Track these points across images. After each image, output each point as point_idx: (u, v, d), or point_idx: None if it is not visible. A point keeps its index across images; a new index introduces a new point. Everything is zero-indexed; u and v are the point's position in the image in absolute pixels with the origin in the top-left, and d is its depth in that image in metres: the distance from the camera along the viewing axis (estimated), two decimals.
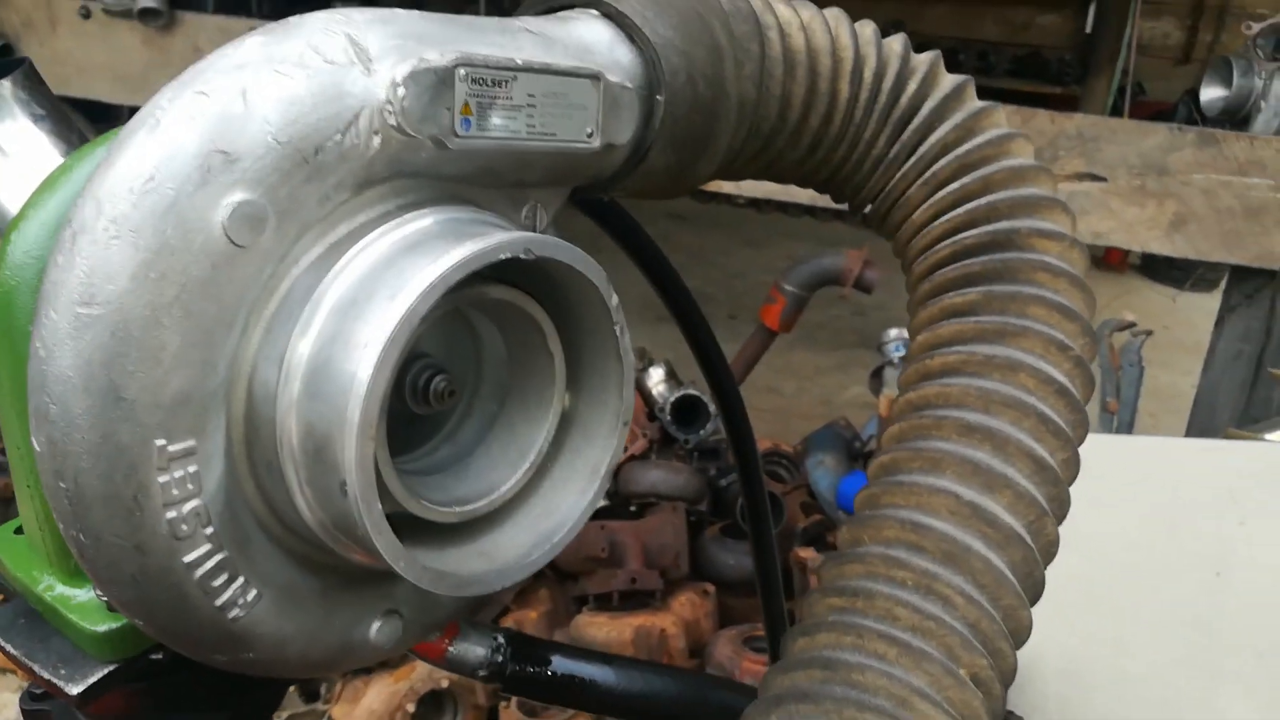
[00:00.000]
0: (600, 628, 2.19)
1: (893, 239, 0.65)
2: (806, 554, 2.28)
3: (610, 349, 0.48)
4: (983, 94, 0.66)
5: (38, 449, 0.38)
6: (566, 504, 0.49)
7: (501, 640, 0.60)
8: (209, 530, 0.40)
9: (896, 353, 2.44)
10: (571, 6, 0.53)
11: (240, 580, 0.42)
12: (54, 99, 0.69)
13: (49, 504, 0.39)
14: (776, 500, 2.36)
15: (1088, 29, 6.66)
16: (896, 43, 0.64)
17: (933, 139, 0.62)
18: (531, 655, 0.60)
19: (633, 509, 2.35)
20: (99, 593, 0.54)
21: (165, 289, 0.37)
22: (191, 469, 0.39)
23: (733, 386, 0.85)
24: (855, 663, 0.44)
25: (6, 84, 0.66)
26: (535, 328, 0.47)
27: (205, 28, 3.24)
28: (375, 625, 0.48)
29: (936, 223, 0.62)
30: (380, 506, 0.39)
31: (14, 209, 0.65)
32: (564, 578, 2.30)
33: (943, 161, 0.62)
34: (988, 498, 0.51)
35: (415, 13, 0.44)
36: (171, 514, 0.39)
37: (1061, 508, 0.54)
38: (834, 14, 0.62)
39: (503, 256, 0.41)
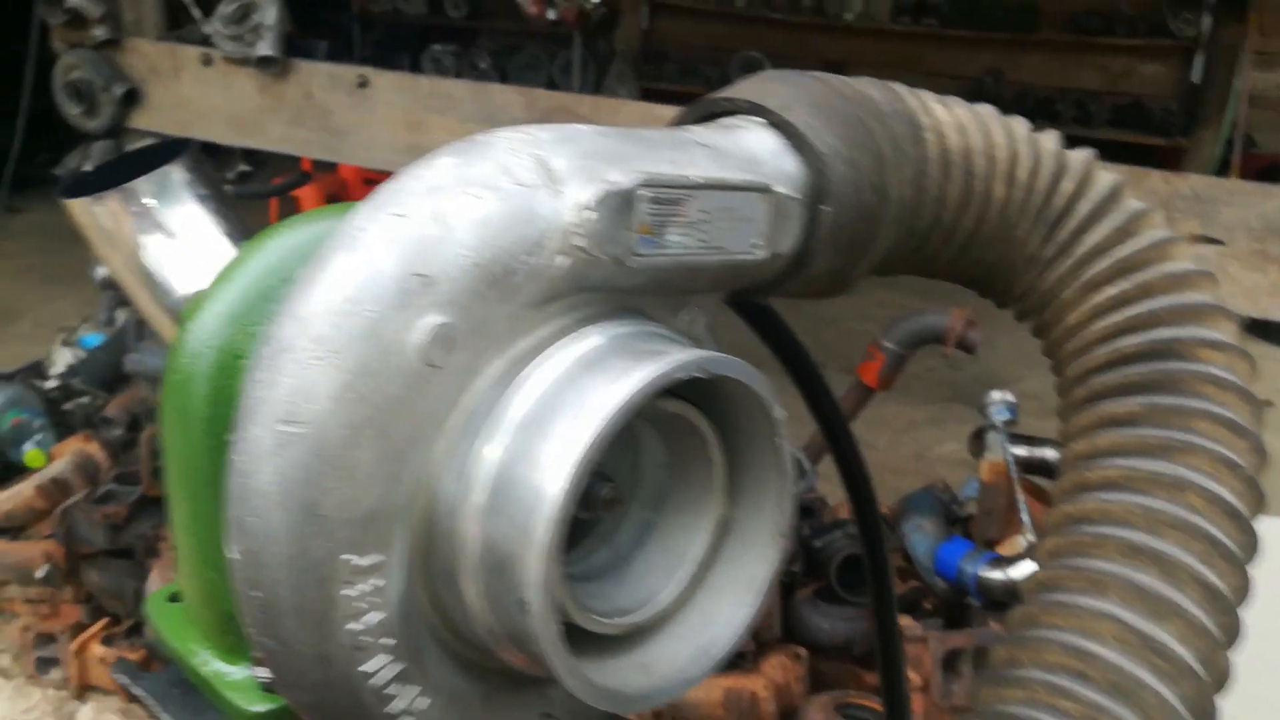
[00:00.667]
0: (691, 688, 2.16)
1: (1044, 339, 0.64)
2: (903, 620, 2.22)
3: (771, 461, 0.48)
4: (1081, 144, 0.65)
5: (235, 557, 0.39)
6: (724, 615, 0.48)
7: None
8: (387, 642, 0.41)
9: (999, 416, 2.38)
10: (734, 112, 0.53)
11: (414, 689, 0.42)
12: (215, 180, 0.72)
13: (242, 610, 0.40)
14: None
15: (1194, 79, 6.48)
16: (1049, 140, 0.63)
17: (1089, 240, 0.61)
18: None
19: None
20: (255, 674, 0.55)
21: (363, 409, 0.37)
22: (376, 583, 0.40)
23: (854, 450, 0.84)
24: None
25: (176, 168, 0.69)
26: (698, 436, 0.47)
27: (317, 74, 3.36)
28: None
29: (1093, 327, 0.60)
30: (558, 627, 0.39)
31: (183, 288, 0.68)
32: None
33: (1099, 264, 0.60)
34: (1157, 626, 0.49)
35: (594, 129, 0.45)
36: (355, 626, 0.39)
37: (1234, 636, 0.52)
38: (986, 111, 0.62)
39: (680, 377, 0.41)
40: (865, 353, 2.41)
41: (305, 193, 4.56)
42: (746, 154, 0.50)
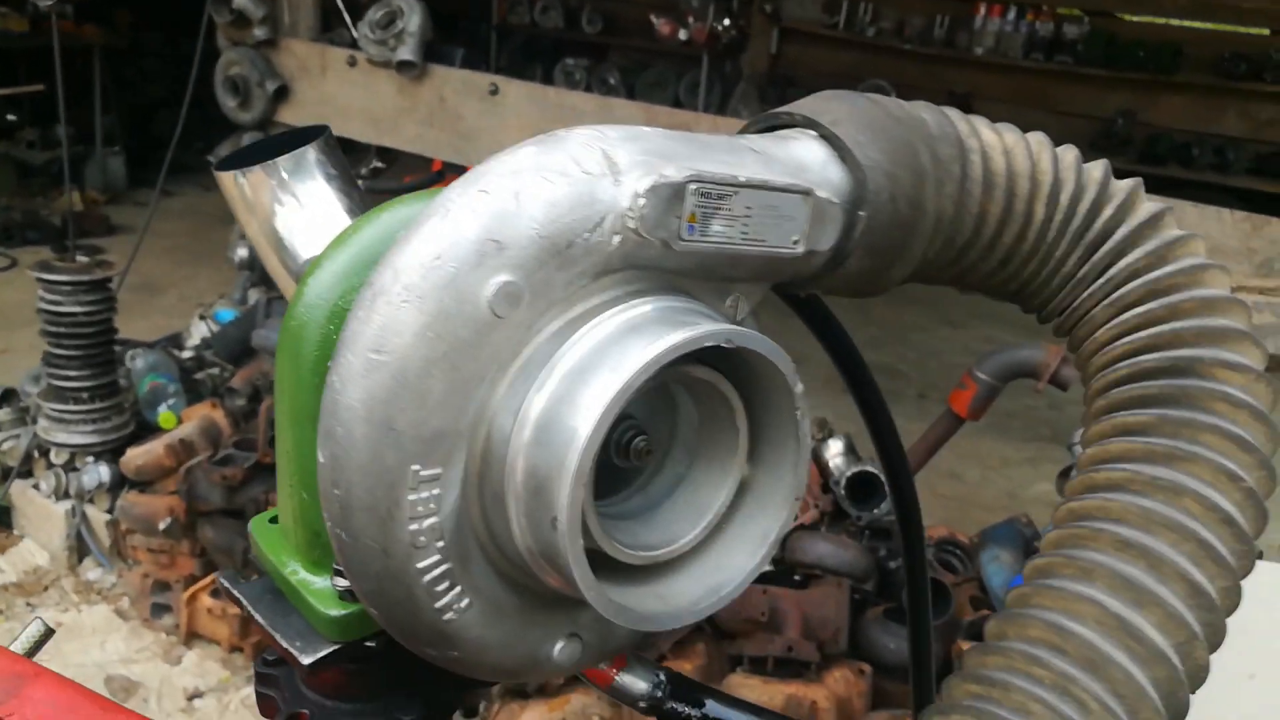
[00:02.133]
0: (752, 690, 2.21)
1: (1075, 353, 0.68)
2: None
3: (790, 430, 0.54)
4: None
5: (321, 461, 0.48)
6: (736, 563, 0.55)
7: (663, 678, 0.66)
8: (440, 544, 0.49)
9: None
10: (793, 125, 0.60)
11: (458, 589, 0.50)
12: (345, 163, 0.83)
13: (323, 506, 0.49)
14: (944, 589, 2.31)
15: None
16: (1097, 169, 0.67)
17: (1123, 263, 0.64)
18: (688, 696, 0.66)
19: (797, 578, 2.36)
20: (335, 583, 0.64)
21: (439, 346, 0.46)
22: (435, 492, 0.48)
23: (904, 467, 0.89)
24: None
25: (311, 149, 0.80)
26: (726, 404, 0.54)
27: (451, 79, 3.54)
28: (559, 645, 0.56)
29: (1118, 343, 0.64)
30: (581, 542, 0.47)
31: (306, 252, 0.79)
32: (721, 636, 2.34)
33: (1131, 285, 0.64)
34: (1136, 613, 0.53)
35: (659, 131, 0.52)
36: (414, 526, 0.48)
37: (1215, 634, 0.55)
38: (1038, 139, 0.66)
39: (707, 344, 0.48)
40: (958, 382, 2.41)
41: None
42: (795, 161, 0.56)
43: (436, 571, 0.49)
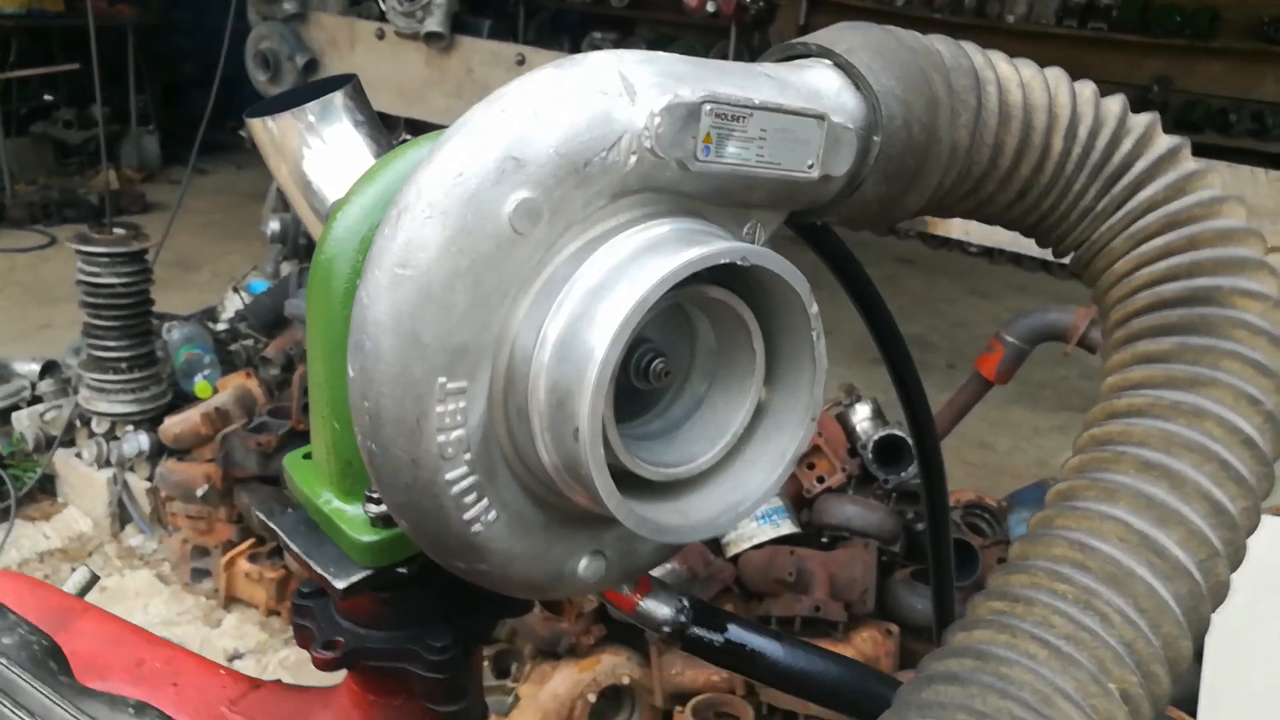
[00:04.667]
0: None
1: (1093, 287, 0.68)
2: None
3: (806, 350, 0.55)
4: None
5: (351, 374, 0.49)
6: (754, 482, 0.56)
7: (686, 604, 0.68)
8: (467, 456, 0.50)
9: None
10: (809, 55, 0.61)
11: (484, 501, 0.52)
12: (372, 110, 0.84)
13: (354, 420, 0.51)
14: (973, 551, 2.32)
15: None
16: (1115, 103, 0.67)
17: (1142, 195, 0.65)
18: (711, 622, 0.68)
19: (824, 540, 2.38)
20: (367, 510, 0.66)
21: (462, 260, 0.47)
22: (461, 404, 0.49)
23: (929, 421, 0.89)
24: (1005, 657, 0.49)
25: (339, 95, 0.81)
26: (743, 326, 0.55)
27: (478, 50, 3.55)
28: (584, 561, 0.57)
29: (1137, 274, 0.64)
30: (602, 451, 0.48)
31: (333, 195, 0.80)
32: (749, 596, 2.36)
33: (1150, 217, 0.65)
34: (1159, 530, 0.54)
35: (675, 55, 0.53)
36: (441, 438, 0.49)
37: (1237, 553, 0.55)
38: (1055, 74, 0.67)
39: (721, 261, 0.49)
40: (986, 345, 2.41)
41: None
42: (809, 87, 0.57)
43: (464, 483, 0.51)
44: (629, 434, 0.57)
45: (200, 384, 3.26)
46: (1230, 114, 6.31)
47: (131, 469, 3.34)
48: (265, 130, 0.82)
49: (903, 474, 2.46)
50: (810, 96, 0.56)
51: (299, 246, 4.04)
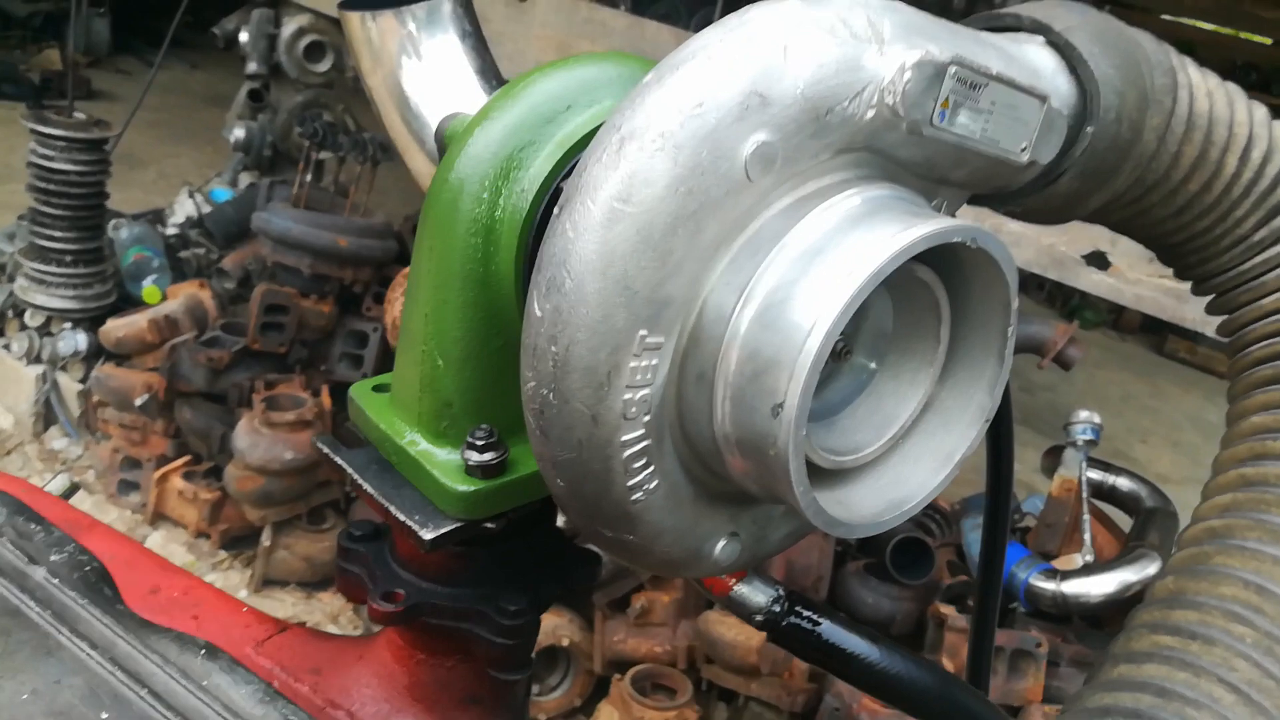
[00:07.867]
0: (730, 628, 2.22)
1: (1229, 317, 0.66)
2: (947, 610, 2.25)
3: (995, 347, 0.51)
4: None
5: (539, 314, 0.44)
6: (916, 480, 0.52)
7: (782, 594, 0.64)
8: (646, 418, 0.45)
9: (1082, 435, 2.37)
10: (1019, 30, 0.56)
11: (651, 468, 0.47)
12: (477, 21, 0.77)
13: (528, 363, 0.45)
14: (928, 550, 2.34)
15: None
16: None
17: None
18: (806, 615, 0.64)
19: None
20: (466, 456, 0.60)
21: (689, 203, 0.42)
22: (654, 362, 0.44)
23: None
24: (1189, 697, 0.46)
25: (448, 2, 0.74)
26: (933, 312, 0.51)
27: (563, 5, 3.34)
28: (721, 543, 0.53)
29: None
30: (805, 432, 0.44)
31: (430, 112, 0.74)
32: None
33: None
34: None
35: (912, 8, 0.48)
36: (628, 395, 0.44)
37: None
38: (1233, 88, 0.64)
39: (956, 240, 0.45)
40: None
41: None
42: (1029, 64, 0.53)
43: (638, 447, 0.46)
44: None
45: (149, 288, 3.10)
46: None
47: (64, 368, 3.17)
48: (364, 28, 0.75)
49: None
50: (1030, 75, 0.52)
51: (263, 158, 3.86)
